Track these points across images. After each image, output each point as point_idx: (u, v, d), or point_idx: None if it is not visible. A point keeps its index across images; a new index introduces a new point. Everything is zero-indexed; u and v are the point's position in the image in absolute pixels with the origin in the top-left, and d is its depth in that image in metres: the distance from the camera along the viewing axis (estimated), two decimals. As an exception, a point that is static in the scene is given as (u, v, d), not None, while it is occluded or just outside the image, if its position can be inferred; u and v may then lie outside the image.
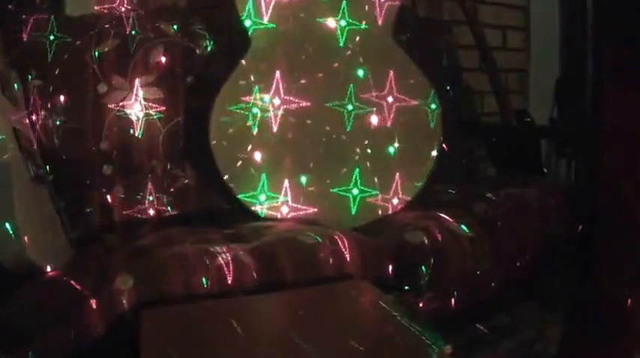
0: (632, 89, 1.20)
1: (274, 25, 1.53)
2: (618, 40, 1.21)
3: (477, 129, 2.19)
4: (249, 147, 1.49)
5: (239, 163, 1.49)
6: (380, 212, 1.59)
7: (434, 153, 1.66)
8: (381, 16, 1.61)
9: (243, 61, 1.51)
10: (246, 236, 1.34)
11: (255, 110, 1.50)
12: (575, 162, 2.40)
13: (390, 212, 1.59)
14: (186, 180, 1.60)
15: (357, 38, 1.59)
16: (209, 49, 1.66)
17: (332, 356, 0.90)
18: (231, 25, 1.54)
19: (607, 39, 1.25)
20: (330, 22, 1.57)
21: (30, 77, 1.49)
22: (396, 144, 1.60)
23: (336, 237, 1.29)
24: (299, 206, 1.52)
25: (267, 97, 1.51)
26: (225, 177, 1.49)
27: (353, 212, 1.56)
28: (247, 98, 1.50)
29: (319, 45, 1.57)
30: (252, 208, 1.50)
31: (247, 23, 1.51)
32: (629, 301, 1.25)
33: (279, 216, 1.51)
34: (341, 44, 1.58)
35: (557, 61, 2.72)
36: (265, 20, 1.52)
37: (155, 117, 1.59)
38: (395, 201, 1.60)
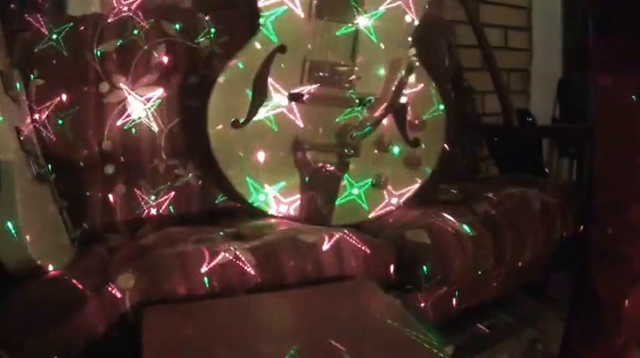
0: (622, 90, 1.20)
1: (301, 17, 1.52)
2: (610, 41, 1.22)
3: (478, 129, 2.19)
4: (251, 144, 1.50)
5: (241, 160, 1.49)
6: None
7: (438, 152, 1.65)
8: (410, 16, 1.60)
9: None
10: (247, 235, 1.34)
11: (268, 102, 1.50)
12: (577, 161, 2.40)
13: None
14: (188, 180, 1.60)
15: (383, 37, 1.58)
16: (211, 47, 1.66)
17: (333, 356, 0.90)
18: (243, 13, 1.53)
19: (599, 39, 1.25)
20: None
21: (32, 76, 1.50)
22: (402, 144, 1.60)
23: (338, 236, 1.29)
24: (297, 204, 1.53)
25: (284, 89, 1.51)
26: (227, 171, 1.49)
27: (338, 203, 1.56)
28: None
29: (343, 40, 1.55)
30: (254, 206, 1.51)
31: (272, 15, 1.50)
32: (627, 301, 1.25)
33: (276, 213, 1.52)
34: (368, 41, 1.57)
35: (559, 60, 2.71)
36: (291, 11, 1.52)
37: (157, 116, 1.59)
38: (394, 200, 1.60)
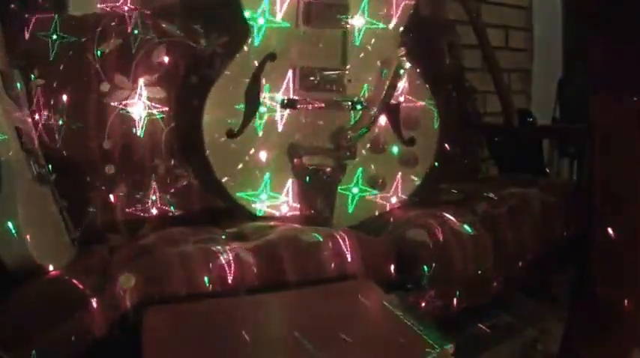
0: (619, 90, 1.20)
1: (288, 25, 1.53)
2: (606, 41, 1.21)
3: (479, 129, 2.19)
4: (249, 146, 1.51)
5: (236, 162, 1.50)
6: (378, 210, 1.61)
7: (433, 152, 1.66)
8: (396, 17, 1.61)
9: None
10: (248, 235, 1.34)
11: (263, 109, 1.50)
12: (578, 162, 2.40)
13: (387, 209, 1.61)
14: (189, 180, 1.60)
15: (371, 39, 1.59)
16: (212, 48, 1.66)
17: (334, 356, 0.90)
18: (233, 20, 1.54)
19: (595, 40, 1.25)
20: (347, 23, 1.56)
21: (32, 76, 1.49)
22: (398, 144, 1.61)
23: (338, 236, 1.29)
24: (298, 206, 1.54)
25: (277, 96, 1.52)
26: (222, 176, 1.50)
27: (350, 210, 1.58)
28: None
29: (332, 45, 1.56)
30: (250, 207, 1.51)
31: (261, 21, 1.51)
32: (627, 301, 1.25)
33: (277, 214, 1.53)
34: (356, 44, 1.58)
35: (559, 60, 2.71)
36: (279, 19, 1.52)
37: (157, 116, 1.59)
38: (394, 199, 1.61)
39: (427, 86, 1.65)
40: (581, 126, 1.77)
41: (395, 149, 1.60)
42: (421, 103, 1.63)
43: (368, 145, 1.58)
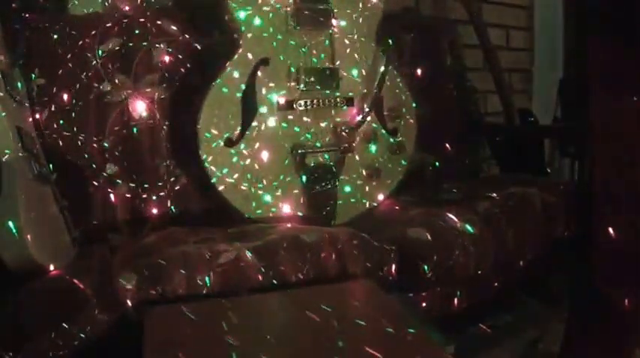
0: (619, 90, 1.20)
1: (279, 28, 1.53)
2: (605, 41, 1.22)
3: (480, 129, 2.19)
4: (248, 149, 1.50)
5: (235, 166, 1.49)
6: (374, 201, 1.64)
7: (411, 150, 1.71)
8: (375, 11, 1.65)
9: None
10: (248, 235, 1.34)
11: (260, 111, 1.50)
12: (579, 161, 2.40)
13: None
14: (189, 179, 1.60)
15: (355, 36, 1.62)
16: (212, 48, 1.66)
17: (335, 356, 0.90)
18: (226, 23, 1.55)
19: (594, 40, 1.25)
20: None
21: (33, 76, 1.49)
22: (377, 142, 1.64)
23: (339, 236, 1.29)
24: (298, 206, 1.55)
25: (273, 98, 1.52)
26: (220, 182, 1.49)
27: (348, 203, 1.60)
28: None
29: (321, 45, 1.58)
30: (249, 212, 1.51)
31: (252, 24, 1.51)
32: (627, 301, 1.25)
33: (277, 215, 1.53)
34: (343, 41, 1.60)
35: (560, 60, 2.71)
36: (269, 22, 1.53)
37: (158, 116, 1.59)
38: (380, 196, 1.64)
39: (399, 75, 1.69)
40: (581, 126, 1.78)
41: (382, 139, 1.64)
42: (398, 93, 1.68)
43: (358, 138, 1.60)
